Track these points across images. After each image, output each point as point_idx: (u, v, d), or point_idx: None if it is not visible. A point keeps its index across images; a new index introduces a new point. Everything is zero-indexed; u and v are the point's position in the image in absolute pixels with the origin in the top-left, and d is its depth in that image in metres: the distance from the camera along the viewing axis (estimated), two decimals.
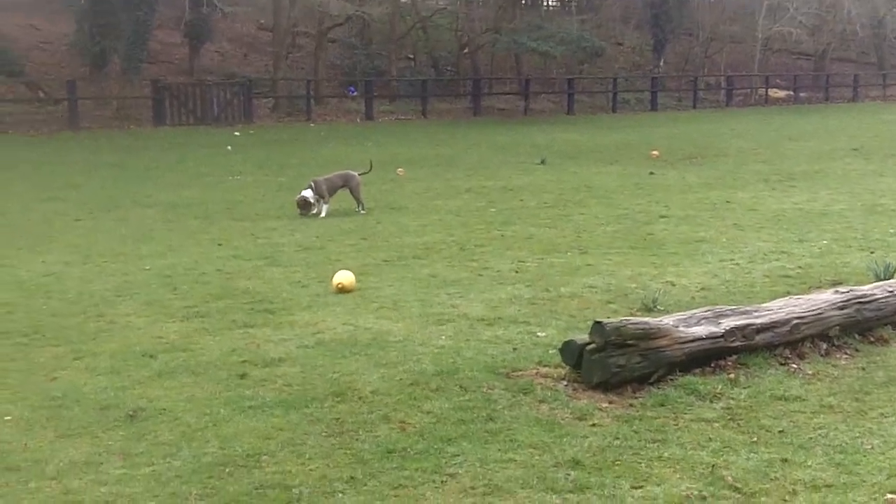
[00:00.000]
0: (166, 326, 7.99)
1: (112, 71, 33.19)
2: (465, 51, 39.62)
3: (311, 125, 33.52)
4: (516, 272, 10.15)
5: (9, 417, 5.76)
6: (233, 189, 17.96)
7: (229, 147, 26.34)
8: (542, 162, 22.22)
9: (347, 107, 36.55)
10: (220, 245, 12.08)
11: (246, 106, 32.98)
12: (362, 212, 14.51)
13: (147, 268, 10.65)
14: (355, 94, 37.14)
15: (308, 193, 14.18)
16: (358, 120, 34.98)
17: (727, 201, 15.56)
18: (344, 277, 9.33)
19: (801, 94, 46.20)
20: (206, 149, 26.54)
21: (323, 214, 14.14)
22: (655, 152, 24.06)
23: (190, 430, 5.38)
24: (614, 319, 6.11)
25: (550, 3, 48.13)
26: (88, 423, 5.58)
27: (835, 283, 8.86)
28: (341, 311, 8.36)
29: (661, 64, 45.09)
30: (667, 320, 6.26)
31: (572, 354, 6.01)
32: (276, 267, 10.60)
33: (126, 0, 31.08)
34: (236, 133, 30.05)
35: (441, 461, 4.81)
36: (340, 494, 4.46)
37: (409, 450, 4.97)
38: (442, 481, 4.59)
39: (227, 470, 4.78)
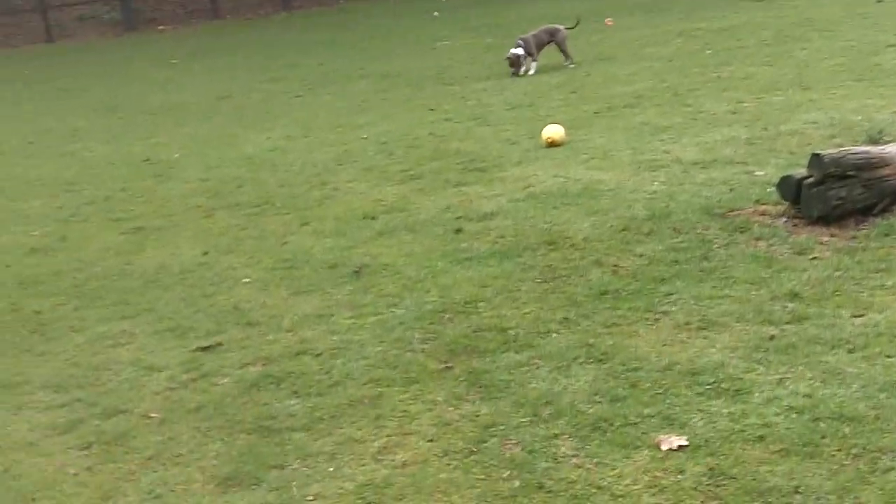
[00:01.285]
0: (384, 189, 8.27)
1: None
2: None
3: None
4: (733, 113, 9.82)
5: (247, 280, 6.19)
6: (441, 55, 18.09)
7: (436, 13, 26.40)
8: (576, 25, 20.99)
9: None
10: (431, 110, 12.27)
11: None
12: (571, 65, 14.29)
13: (364, 136, 10.98)
14: None
15: (518, 51, 14.01)
16: None
17: None
18: (553, 131, 9.31)
19: None
20: (412, 17, 26.73)
21: (532, 72, 14.00)
22: (609, 20, 22.16)
23: (410, 282, 5.62)
24: (833, 150, 5.85)
25: None
26: (318, 280, 5.92)
27: None
28: (551, 164, 8.39)
29: None
30: (889, 149, 5.94)
31: (790, 189, 5.83)
32: (486, 126, 10.69)
33: None
34: (436, 14, 30.03)
35: (654, 300, 4.84)
36: (555, 334, 4.58)
37: (621, 291, 5.01)
38: (655, 318, 4.62)
39: (446, 316, 4.99)
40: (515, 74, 13.97)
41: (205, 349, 4.97)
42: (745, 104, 10.23)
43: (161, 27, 29.53)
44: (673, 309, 4.69)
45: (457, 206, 7.29)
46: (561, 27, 14.63)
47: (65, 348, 5.33)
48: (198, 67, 20.41)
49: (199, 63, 21.28)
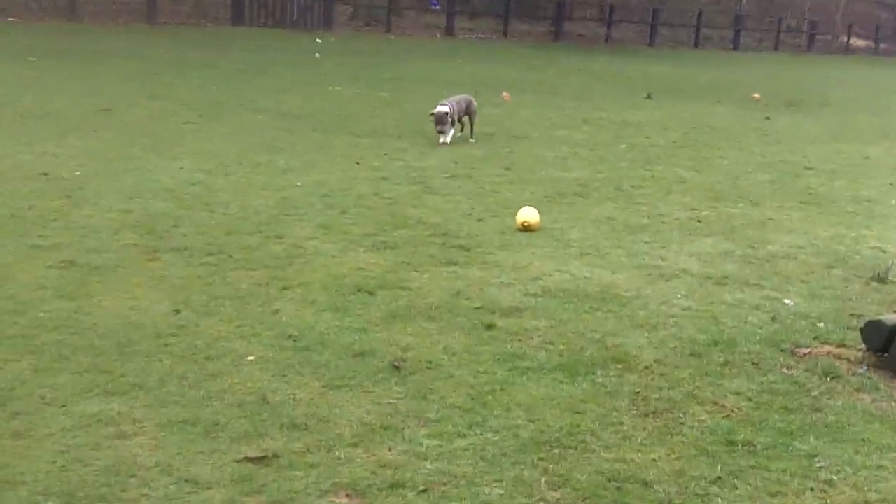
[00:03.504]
0: (360, 256, 7.33)
1: None
2: None
3: (391, 37, 32.57)
4: (698, 221, 9.41)
5: (251, 357, 5.12)
6: (336, 100, 17.22)
7: (317, 54, 25.52)
8: (649, 97, 21.35)
9: (426, 21, 35.53)
10: (357, 163, 11.40)
11: (327, 12, 31.99)
12: (473, 140, 13.47)
13: (298, 184, 9.99)
14: (437, 7, 36.04)
15: (446, 108, 12.92)
16: (438, 35, 33.98)
17: (865, 157, 14.63)
18: (528, 215, 8.63)
19: (882, 45, 44.61)
20: (291, 54, 25.74)
21: (447, 140, 13.05)
22: (757, 95, 23.11)
23: (476, 393, 4.72)
24: None
25: None
26: (349, 372, 4.93)
27: None
28: (543, 254, 7.67)
29: (744, 2, 43.58)
30: None
31: (879, 337, 5.31)
32: (433, 195, 9.90)
33: None
34: (318, 40, 29.20)
35: (802, 463, 4.14)
36: (717, 499, 3.79)
37: (754, 444, 4.29)
38: (823, 490, 3.92)
39: (555, 451, 4.12)
40: (442, 134, 12.93)
41: (256, 461, 3.91)
42: (703, 212, 9.86)
43: (11, 18, 27.25)
44: (835, 478, 4.00)
45: (466, 292, 6.44)
46: (473, 99, 13.86)
47: (50, 431, 4.13)
48: (64, 71, 18.70)
49: (64, 66, 19.55)
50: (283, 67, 22.25)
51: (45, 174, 9.66)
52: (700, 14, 39.82)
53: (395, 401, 4.58)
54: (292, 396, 4.60)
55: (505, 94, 19.77)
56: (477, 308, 6.10)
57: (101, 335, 5.34)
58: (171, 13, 30.33)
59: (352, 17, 34.13)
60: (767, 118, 18.99)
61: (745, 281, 7.17)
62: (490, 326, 5.72)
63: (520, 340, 5.50)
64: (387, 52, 27.94)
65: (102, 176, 9.75)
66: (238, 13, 30.71)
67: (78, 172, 9.84)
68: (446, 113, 12.79)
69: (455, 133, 13.22)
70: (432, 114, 12.93)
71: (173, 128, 13.21)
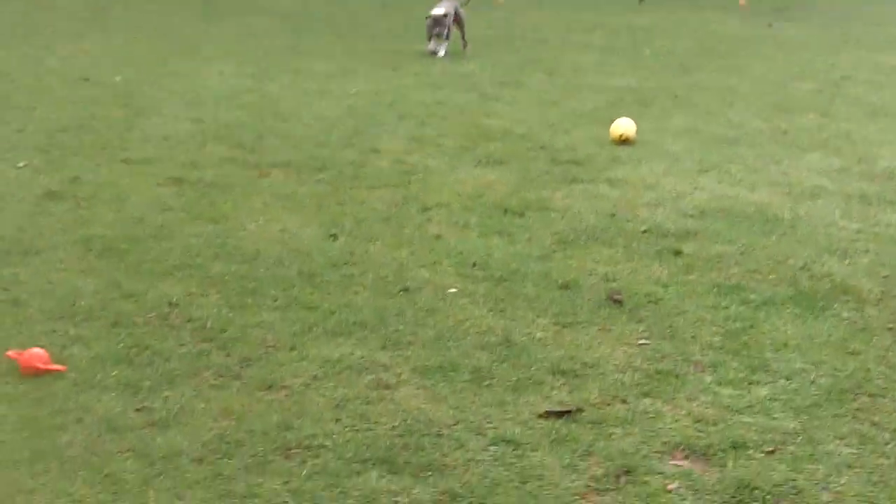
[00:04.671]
0: (474, 172, 6.81)
1: None
2: None
3: None
4: (784, 133, 8.99)
5: (453, 290, 4.62)
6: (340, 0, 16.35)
7: None
8: (641, 1, 20.73)
9: None
10: (394, 70, 10.76)
11: None
12: (466, 50, 11.98)
13: (352, 91, 9.35)
14: None
15: (443, 10, 11.43)
16: None
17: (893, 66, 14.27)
18: (626, 127, 8.13)
19: None
20: None
21: (441, 51, 11.58)
22: (742, 1, 22.59)
23: (726, 332, 4.28)
24: None
25: None
26: (571, 307, 4.46)
27: None
28: (660, 169, 7.17)
29: None
30: None
31: None
32: (498, 102, 9.39)
33: None
34: None
35: None
36: None
37: None
38: None
39: (866, 399, 3.73)
40: (436, 45, 11.47)
41: (558, 415, 3.45)
42: (781, 124, 9.43)
43: None
44: None
45: (621, 214, 5.97)
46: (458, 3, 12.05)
47: (303, 381, 3.61)
48: None
49: None
50: None
51: (86, 79, 8.88)
52: None
53: (646, 340, 4.14)
54: (531, 336, 4.12)
55: None
56: (644, 231, 5.65)
57: (275, 263, 4.79)
58: None
59: None
60: (770, 25, 18.51)
61: (890, 200, 6.79)
62: (677, 253, 5.28)
63: (720, 269, 5.07)
64: None
65: (146, 81, 9.02)
66: None
67: (118, 77, 9.08)
68: (445, 15, 11.35)
69: (447, 45, 11.69)
70: (430, 16, 11.48)
71: (183, 29, 12.37)
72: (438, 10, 11.46)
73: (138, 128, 7.32)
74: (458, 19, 11.81)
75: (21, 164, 6.15)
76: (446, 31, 11.48)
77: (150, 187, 5.92)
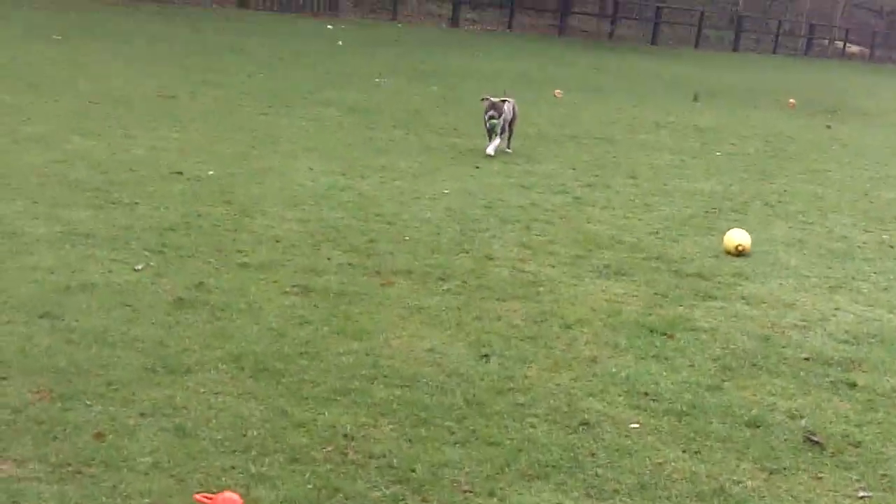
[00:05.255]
0: (601, 285, 6.54)
1: None
2: None
3: (398, 24, 31.63)
4: (891, 246, 8.72)
5: (635, 425, 4.29)
6: (389, 94, 16.27)
7: (340, 42, 24.49)
8: (696, 98, 20.73)
9: (428, 9, 34.59)
10: (477, 168, 10.56)
11: None
12: (509, 150, 11.55)
13: (445, 191, 9.14)
14: None
15: (508, 101, 11.18)
16: (443, 25, 33.08)
17: None
18: (743, 238, 7.89)
19: (877, 52, 44.69)
20: (312, 40, 24.69)
21: (492, 150, 11.07)
22: (792, 101, 22.57)
23: None
24: None
25: None
26: (770, 450, 4.15)
27: None
28: (790, 286, 6.92)
29: (741, 4, 43.30)
30: None
31: None
32: (593, 207, 9.16)
33: None
34: (329, 26, 28.18)
35: None
36: None
37: None
38: None
39: None
40: (492, 133, 11.05)
41: None
42: (884, 235, 9.17)
43: None
44: None
45: (774, 338, 5.66)
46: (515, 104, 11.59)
47: None
48: (94, 52, 17.49)
49: (90, 45, 18.34)
50: (314, 56, 21.24)
51: (180, 173, 8.68)
52: (702, 14, 39.42)
53: (866, 493, 3.79)
54: (743, 485, 3.79)
55: (557, 91, 19.02)
56: (806, 359, 5.33)
57: (437, 389, 4.49)
58: None
59: (356, 3, 33.07)
60: (829, 127, 18.43)
61: None
62: (852, 385, 4.96)
63: None
64: (408, 42, 27.00)
65: (239, 177, 8.82)
66: None
67: (211, 172, 8.88)
68: (504, 101, 11.02)
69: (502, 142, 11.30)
70: (492, 104, 10.98)
71: (254, 120, 12.25)
72: (500, 102, 11.09)
73: (246, 228, 7.07)
74: (513, 118, 11.46)
75: (139, 267, 5.89)
76: (500, 125, 11.05)
77: (279, 295, 5.64)
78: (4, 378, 4.16)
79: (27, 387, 4.07)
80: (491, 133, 11.13)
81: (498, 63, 24.14)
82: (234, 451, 3.72)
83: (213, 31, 23.91)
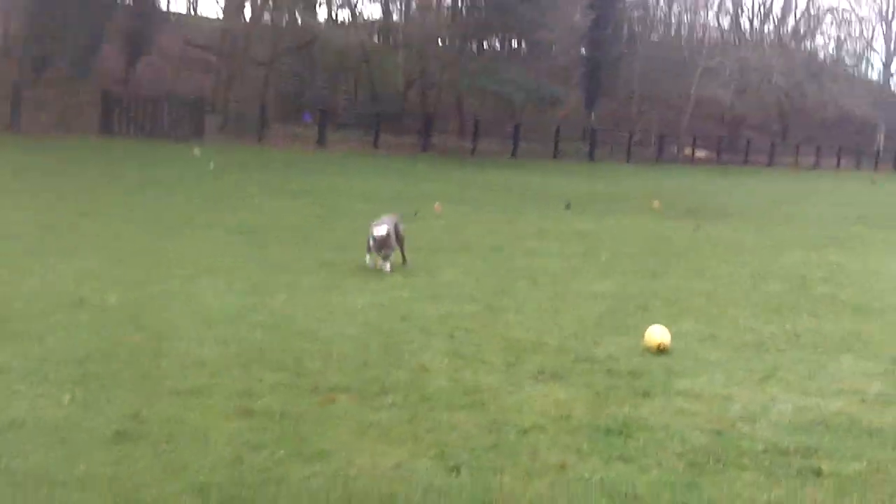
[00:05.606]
0: (541, 390, 6.49)
1: (53, 77, 30.40)
2: (414, 88, 38.49)
3: (264, 148, 31.63)
4: (797, 336, 8.97)
5: None
6: (278, 215, 16.19)
7: (211, 164, 24.27)
8: (568, 207, 21.21)
9: (295, 132, 34.77)
10: (380, 281, 10.49)
11: (198, 123, 30.75)
12: (407, 266, 11.39)
13: (358, 306, 9.01)
14: (310, 121, 35.39)
15: (385, 229, 10.81)
16: (311, 147, 33.24)
17: (836, 263, 14.67)
18: (662, 335, 7.98)
19: (724, 156, 47.02)
20: (184, 166, 24.38)
21: (388, 268, 10.86)
22: (657, 203, 23.35)
23: None
24: None
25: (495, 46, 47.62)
26: None
27: None
28: (726, 380, 7.00)
29: (592, 118, 45.15)
30: None
31: None
32: (505, 312, 9.17)
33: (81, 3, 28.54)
34: (196, 150, 27.95)
35: None
36: None
37: None
38: None
39: None
40: (381, 262, 10.83)
41: None
42: (783, 326, 9.42)
43: None
44: None
45: (724, 429, 5.69)
46: (398, 219, 11.46)
47: None
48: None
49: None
50: (191, 181, 20.97)
51: (82, 300, 8.32)
52: (558, 129, 40.81)
53: None
54: None
55: (437, 204, 19.20)
56: (764, 451, 5.40)
57: None
58: (33, 122, 28.32)
59: (221, 128, 32.96)
60: (697, 227, 19.03)
61: None
62: (818, 473, 5.00)
63: (874, 490, 4.78)
64: (277, 164, 26.98)
65: (144, 302, 8.50)
66: (107, 123, 29.02)
67: (113, 299, 8.52)
68: (388, 234, 10.78)
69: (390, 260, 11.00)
70: (374, 237, 10.74)
71: (145, 245, 11.93)
72: (380, 231, 10.75)
73: (166, 354, 6.77)
74: (397, 236, 11.22)
75: (66, 401, 5.53)
76: (391, 249, 10.91)
77: (221, 421, 5.38)
78: None
79: None
80: (369, 253, 10.98)
81: (371, 182, 24.30)
82: None
83: (78, 162, 23.38)
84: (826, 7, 76.81)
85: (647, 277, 12.14)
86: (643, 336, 8.02)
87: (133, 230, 13.04)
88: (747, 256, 15.04)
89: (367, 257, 10.96)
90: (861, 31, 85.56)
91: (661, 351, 7.83)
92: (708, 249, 15.53)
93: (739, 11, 60.22)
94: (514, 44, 46.71)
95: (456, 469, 4.78)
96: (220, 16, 37.19)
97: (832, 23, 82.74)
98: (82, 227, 12.99)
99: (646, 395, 6.42)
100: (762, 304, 10.61)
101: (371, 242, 10.82)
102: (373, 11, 37.76)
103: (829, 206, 27.05)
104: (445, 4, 40.15)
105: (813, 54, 61.93)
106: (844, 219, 23.23)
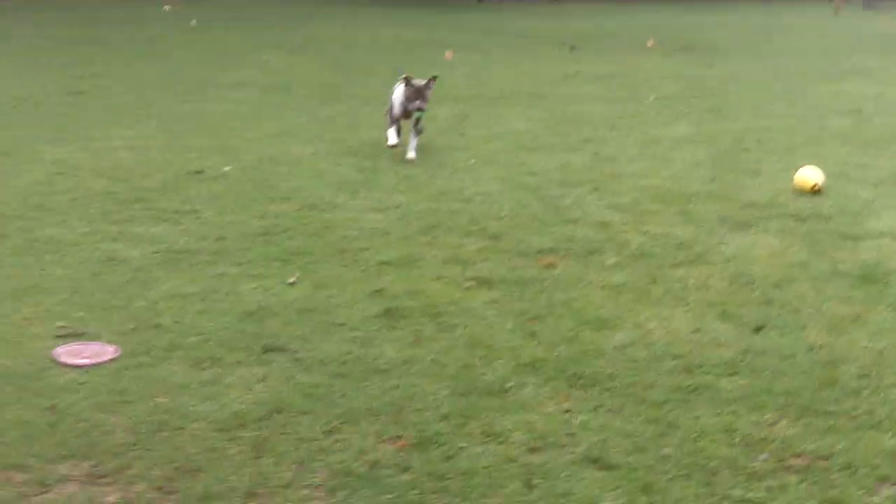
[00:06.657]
0: (738, 238, 6.21)
1: None
2: None
3: None
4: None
5: None
6: (293, 70, 15.42)
7: (193, 21, 23.13)
8: (572, 49, 20.52)
9: None
10: (462, 136, 10.07)
11: None
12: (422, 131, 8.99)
13: (472, 161, 8.60)
14: None
15: (422, 81, 8.57)
16: None
17: (867, 96, 14.37)
18: (818, 175, 7.76)
19: None
20: (157, 23, 23.16)
21: (412, 155, 8.62)
22: (651, 42, 22.67)
23: None
24: None
25: None
26: None
27: None
28: None
29: None
30: None
31: None
32: (618, 162, 8.84)
33: None
34: (166, 7, 26.72)
35: None
36: None
37: None
38: None
39: None
40: (417, 125, 8.65)
41: None
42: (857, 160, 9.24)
43: None
44: None
45: None
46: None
47: None
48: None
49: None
50: (181, 41, 19.92)
51: (199, 172, 7.83)
52: None
53: None
54: None
55: (448, 52, 18.50)
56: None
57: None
58: None
59: None
60: (710, 66, 18.52)
61: None
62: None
63: None
64: (266, 18, 25.77)
65: (261, 169, 8.04)
66: None
67: (227, 168, 8.04)
68: (428, 85, 8.58)
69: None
70: (415, 90, 8.47)
71: (197, 110, 11.32)
72: (419, 81, 8.61)
73: (341, 226, 6.37)
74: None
75: (291, 280, 5.17)
76: (426, 103, 8.61)
77: (463, 293, 5.04)
78: None
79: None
80: (396, 123, 8.73)
81: (372, 32, 23.33)
82: None
83: (55, 25, 22.12)
84: None
85: (715, 118, 11.79)
86: (793, 178, 7.78)
87: (163, 96, 12.30)
88: (781, 91, 14.70)
89: (390, 132, 8.69)
90: None
91: (815, 192, 7.61)
92: (739, 87, 15.11)
93: None
94: None
95: (758, 329, 4.55)
96: None
97: None
98: (112, 94, 12.24)
99: (855, 239, 6.20)
100: (849, 139, 10.35)
101: (394, 108, 8.66)
102: None
103: (816, 39, 26.62)
104: None
105: None
106: (839, 49, 22.85)
